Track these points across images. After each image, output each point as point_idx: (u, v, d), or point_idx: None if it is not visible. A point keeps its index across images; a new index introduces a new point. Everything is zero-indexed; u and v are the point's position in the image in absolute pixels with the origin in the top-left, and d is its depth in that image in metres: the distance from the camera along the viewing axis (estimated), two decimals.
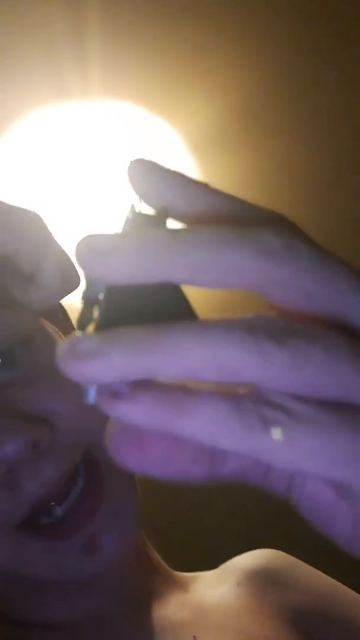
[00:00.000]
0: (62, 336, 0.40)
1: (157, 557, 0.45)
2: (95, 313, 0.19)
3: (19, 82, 1.04)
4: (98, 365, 0.17)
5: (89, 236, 0.18)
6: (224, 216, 0.19)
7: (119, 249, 0.17)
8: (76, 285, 0.33)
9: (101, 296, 0.19)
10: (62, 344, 0.17)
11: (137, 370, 0.17)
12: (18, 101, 1.06)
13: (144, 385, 0.18)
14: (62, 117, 1.07)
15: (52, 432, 0.35)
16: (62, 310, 0.44)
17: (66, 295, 0.34)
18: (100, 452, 0.36)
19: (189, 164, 1.12)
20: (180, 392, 0.17)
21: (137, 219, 0.18)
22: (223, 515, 1.23)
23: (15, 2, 0.99)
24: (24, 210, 0.33)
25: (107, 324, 0.18)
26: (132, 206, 0.19)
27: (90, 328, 0.19)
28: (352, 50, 1.04)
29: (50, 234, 0.33)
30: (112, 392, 0.18)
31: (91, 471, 0.37)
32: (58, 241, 0.33)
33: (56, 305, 0.43)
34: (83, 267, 0.18)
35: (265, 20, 1.02)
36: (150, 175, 0.19)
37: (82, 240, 0.17)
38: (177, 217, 0.19)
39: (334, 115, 1.10)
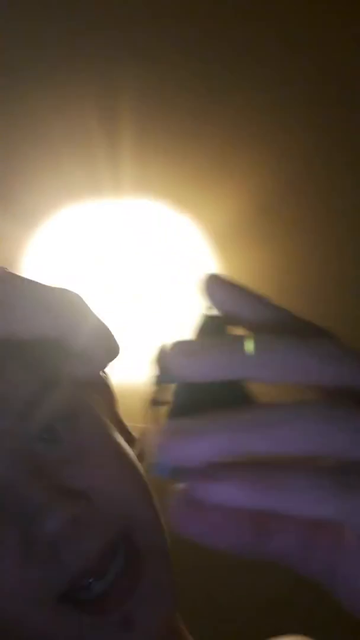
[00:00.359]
0: (103, 402, 0.42)
1: (190, 638, 0.45)
2: (166, 396, 0.22)
3: (56, 178, 1.11)
4: (197, 444, 0.20)
5: (178, 341, 0.21)
6: (281, 325, 0.23)
7: (203, 354, 0.21)
8: (117, 354, 0.36)
9: (173, 385, 0.22)
10: (163, 427, 0.20)
11: (234, 447, 0.20)
12: (54, 196, 1.13)
13: (224, 467, 0.20)
14: (94, 213, 1.14)
15: (92, 508, 0.35)
16: (103, 378, 0.45)
17: (108, 364, 0.36)
18: (139, 529, 0.37)
19: (210, 258, 1.17)
20: (278, 468, 0.20)
21: (209, 323, 0.23)
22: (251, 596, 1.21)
23: (55, 103, 1.06)
24: (64, 291, 0.35)
25: (182, 409, 0.22)
26: (205, 313, 0.23)
27: (160, 410, 0.22)
28: None
29: (91, 310, 0.36)
30: (203, 473, 0.20)
31: (130, 548, 0.37)
32: (98, 316, 0.36)
33: (98, 375, 0.44)
34: (170, 366, 0.21)
35: (287, 128, 1.09)
36: (223, 288, 0.23)
37: (170, 344, 0.21)
38: (242, 324, 0.23)
39: (351, 216, 1.15)
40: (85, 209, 1.14)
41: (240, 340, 0.21)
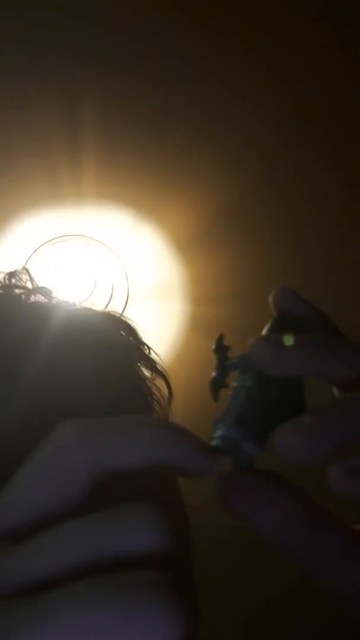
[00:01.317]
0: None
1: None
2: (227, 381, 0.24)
3: (17, 185, 1.11)
4: (322, 434, 0.21)
5: (268, 335, 0.24)
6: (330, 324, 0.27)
7: (289, 347, 0.22)
8: None
9: (248, 382, 0.24)
10: (291, 424, 0.22)
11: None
12: (15, 203, 1.12)
13: None
14: (56, 218, 1.13)
15: None
16: None
17: None
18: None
19: (174, 262, 1.18)
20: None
21: (282, 322, 0.25)
22: None
23: (16, 109, 1.05)
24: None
25: (257, 400, 0.23)
26: (282, 314, 0.26)
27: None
28: (322, 164, 1.13)
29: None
30: (351, 468, 0.21)
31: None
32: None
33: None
34: (257, 356, 0.23)
35: (249, 134, 1.10)
36: (291, 296, 0.26)
37: (263, 336, 0.23)
38: (302, 325, 0.26)
39: (316, 221, 1.17)
40: (46, 216, 1.13)
41: (317, 339, 0.23)
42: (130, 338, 0.52)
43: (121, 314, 0.53)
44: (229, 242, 1.17)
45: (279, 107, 1.09)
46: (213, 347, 0.25)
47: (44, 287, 0.51)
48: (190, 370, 1.19)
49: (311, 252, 1.19)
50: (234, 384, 0.24)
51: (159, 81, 1.05)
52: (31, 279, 0.52)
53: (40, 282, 0.52)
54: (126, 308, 1.17)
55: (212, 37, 1.03)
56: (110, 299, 1.16)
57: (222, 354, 0.24)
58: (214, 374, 0.24)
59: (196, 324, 1.21)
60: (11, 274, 0.52)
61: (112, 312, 0.53)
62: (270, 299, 0.26)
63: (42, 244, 1.14)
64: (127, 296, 1.17)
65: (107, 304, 1.15)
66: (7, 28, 0.99)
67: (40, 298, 0.49)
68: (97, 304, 1.15)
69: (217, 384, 0.24)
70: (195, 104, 1.07)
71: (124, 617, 0.16)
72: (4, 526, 0.20)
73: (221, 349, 0.24)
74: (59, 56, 1.02)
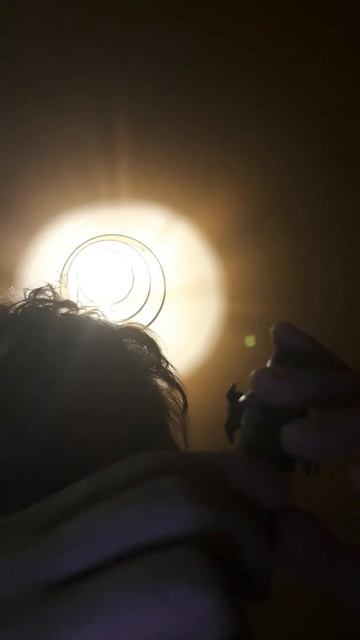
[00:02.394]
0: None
1: None
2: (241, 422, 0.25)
3: (53, 186, 1.13)
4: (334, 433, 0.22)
5: (268, 368, 0.24)
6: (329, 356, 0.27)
7: (289, 378, 0.23)
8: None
9: (257, 415, 0.25)
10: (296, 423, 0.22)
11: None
12: (52, 204, 1.14)
13: None
14: (92, 219, 1.15)
15: None
16: None
17: None
18: None
19: (210, 260, 1.18)
20: None
21: (283, 355, 0.26)
22: None
23: (52, 110, 1.07)
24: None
25: (265, 430, 0.24)
26: (281, 348, 0.26)
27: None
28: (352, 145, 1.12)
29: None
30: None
31: None
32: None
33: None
34: (259, 388, 0.24)
35: (287, 130, 1.10)
36: (290, 331, 0.26)
37: (263, 369, 0.24)
38: (301, 357, 0.27)
39: (350, 219, 1.16)
40: (83, 218, 1.15)
41: (320, 371, 0.24)
42: (153, 354, 0.54)
43: (145, 326, 0.56)
44: (265, 239, 1.18)
45: (319, 103, 1.09)
46: (226, 394, 0.26)
47: (70, 301, 0.54)
48: (226, 366, 1.20)
49: (349, 248, 1.18)
50: (243, 417, 0.25)
51: (197, 75, 1.06)
52: (55, 295, 0.54)
53: (65, 295, 0.56)
54: (163, 306, 1.18)
55: (237, 52, 1.04)
56: (147, 297, 1.17)
57: (234, 400, 0.25)
58: (227, 417, 0.25)
59: (232, 321, 1.21)
60: (37, 291, 0.54)
61: (135, 326, 0.56)
62: (270, 333, 0.27)
63: (80, 246, 1.16)
64: (164, 294, 1.19)
65: (145, 303, 1.17)
66: (37, 34, 1.01)
67: (67, 311, 0.52)
68: (135, 303, 1.17)
69: (231, 426, 0.25)
70: (232, 98, 1.08)
71: (160, 603, 0.17)
72: (40, 513, 0.20)
73: (233, 396, 0.25)
74: (92, 58, 1.03)
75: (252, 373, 0.24)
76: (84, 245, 1.16)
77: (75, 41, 1.02)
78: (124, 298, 1.17)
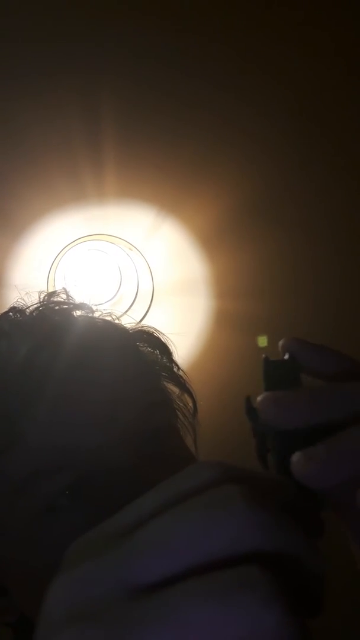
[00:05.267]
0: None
1: None
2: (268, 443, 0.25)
3: (39, 186, 1.12)
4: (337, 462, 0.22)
5: (273, 393, 0.24)
6: (342, 370, 0.27)
7: (296, 403, 0.23)
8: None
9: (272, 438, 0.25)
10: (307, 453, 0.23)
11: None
12: (39, 204, 1.13)
13: None
14: (80, 219, 1.15)
15: None
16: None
17: None
18: None
19: (197, 258, 1.18)
20: None
21: (280, 368, 0.26)
22: None
23: (36, 109, 1.06)
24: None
25: (286, 450, 0.24)
26: (289, 357, 0.26)
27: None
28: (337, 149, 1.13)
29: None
30: None
31: None
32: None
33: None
34: (266, 416, 0.24)
35: (272, 128, 1.10)
36: (300, 345, 0.27)
37: (267, 395, 0.24)
38: (309, 369, 0.27)
39: (337, 215, 1.17)
40: (70, 217, 1.14)
41: (321, 388, 0.24)
42: (165, 359, 0.55)
43: (157, 330, 0.57)
44: (252, 237, 1.18)
45: (305, 101, 1.09)
46: (244, 409, 0.25)
47: (85, 303, 0.54)
48: (215, 364, 1.20)
49: (336, 244, 1.18)
50: (267, 441, 0.25)
51: (182, 73, 1.06)
52: (69, 297, 0.55)
53: (77, 298, 0.56)
54: (151, 305, 1.18)
55: (223, 50, 1.03)
56: (135, 296, 1.17)
57: (254, 417, 0.25)
58: (254, 441, 0.26)
59: (221, 319, 1.21)
60: (51, 294, 0.55)
61: (147, 329, 0.57)
62: (280, 346, 0.27)
63: (67, 245, 1.16)
64: (152, 293, 1.18)
65: (133, 302, 1.16)
66: (26, 30, 1.01)
67: (83, 313, 0.53)
68: (123, 302, 1.17)
69: (262, 452, 0.25)
70: (218, 97, 1.08)
71: (234, 615, 0.18)
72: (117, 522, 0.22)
73: (251, 412, 0.25)
74: (78, 56, 1.03)
75: (258, 399, 0.24)
76: (71, 245, 1.16)
77: (61, 39, 1.01)
78: (112, 297, 1.16)
